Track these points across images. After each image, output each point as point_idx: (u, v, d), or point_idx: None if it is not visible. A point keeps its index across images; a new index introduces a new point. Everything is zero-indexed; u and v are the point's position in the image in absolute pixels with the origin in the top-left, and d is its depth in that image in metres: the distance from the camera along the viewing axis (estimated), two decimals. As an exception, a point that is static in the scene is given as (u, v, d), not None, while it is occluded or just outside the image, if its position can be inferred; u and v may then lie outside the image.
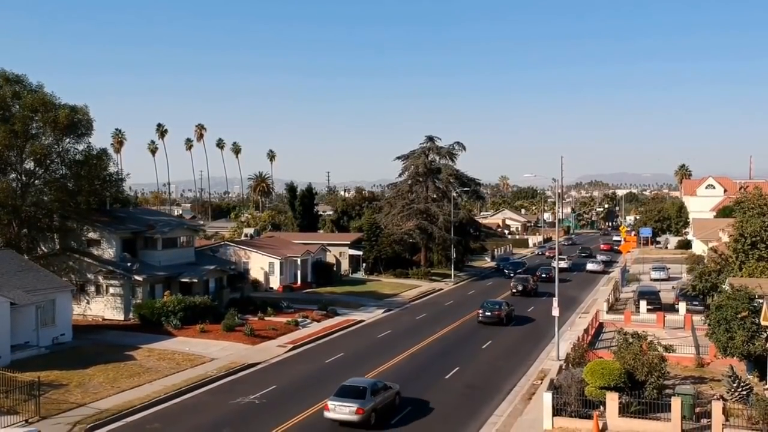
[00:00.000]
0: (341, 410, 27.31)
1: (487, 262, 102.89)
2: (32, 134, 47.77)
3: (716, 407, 25.39)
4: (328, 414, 27.66)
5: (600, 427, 26.31)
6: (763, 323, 30.65)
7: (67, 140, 49.73)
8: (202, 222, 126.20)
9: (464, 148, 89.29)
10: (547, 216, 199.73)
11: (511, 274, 79.70)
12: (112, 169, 54.44)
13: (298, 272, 69.69)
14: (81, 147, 50.54)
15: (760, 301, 32.24)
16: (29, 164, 48.73)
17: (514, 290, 66.29)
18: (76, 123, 49.27)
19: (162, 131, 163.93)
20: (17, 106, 47.47)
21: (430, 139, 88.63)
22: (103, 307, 49.53)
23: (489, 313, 51.03)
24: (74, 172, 49.67)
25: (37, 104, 47.16)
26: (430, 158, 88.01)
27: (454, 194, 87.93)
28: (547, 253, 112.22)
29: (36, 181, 49.51)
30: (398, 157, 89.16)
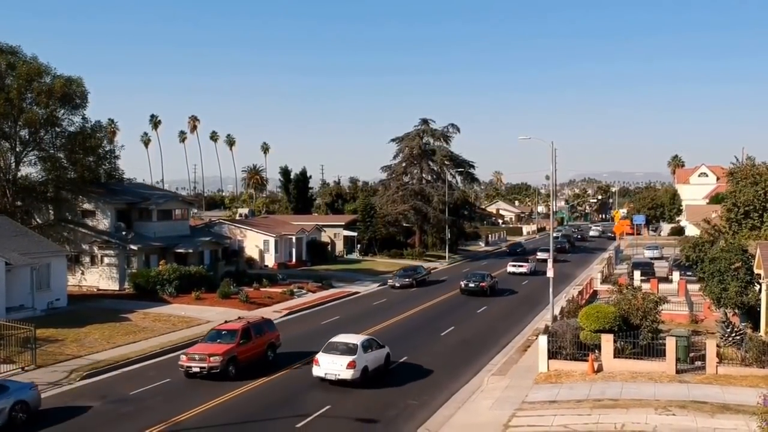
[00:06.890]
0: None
1: (482, 247, 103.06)
2: (27, 103, 47.65)
3: (710, 345, 25.58)
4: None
5: (595, 368, 26.47)
6: (756, 271, 30.88)
7: (62, 111, 49.63)
8: (196, 210, 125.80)
9: (458, 130, 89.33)
10: (540, 209, 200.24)
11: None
12: (106, 146, 54.45)
13: (293, 250, 69.72)
14: (76, 119, 50.57)
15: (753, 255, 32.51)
16: (24, 133, 48.62)
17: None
18: (71, 94, 49.19)
19: (156, 122, 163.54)
20: (12, 77, 47.35)
21: (425, 121, 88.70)
22: (98, 277, 49.50)
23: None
24: (69, 145, 49.55)
25: (33, 73, 47.08)
26: (424, 140, 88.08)
27: (449, 175, 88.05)
28: None
29: (31, 151, 49.39)
30: (393, 140, 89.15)
